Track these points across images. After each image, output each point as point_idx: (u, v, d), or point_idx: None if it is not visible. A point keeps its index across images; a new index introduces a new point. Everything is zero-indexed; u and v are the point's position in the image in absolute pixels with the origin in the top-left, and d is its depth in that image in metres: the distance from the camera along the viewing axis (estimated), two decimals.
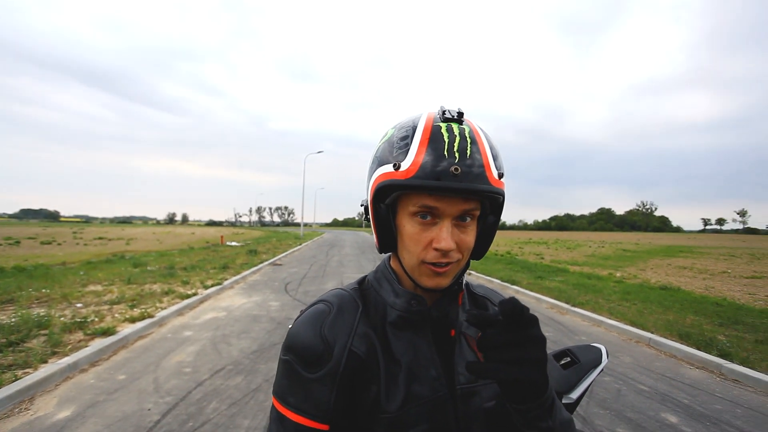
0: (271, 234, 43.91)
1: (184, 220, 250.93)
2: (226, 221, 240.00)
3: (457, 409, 0.63)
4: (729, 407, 3.61)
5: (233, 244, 23.93)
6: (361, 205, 0.72)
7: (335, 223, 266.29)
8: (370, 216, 0.65)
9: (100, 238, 28.54)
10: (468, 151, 0.57)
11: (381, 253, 0.69)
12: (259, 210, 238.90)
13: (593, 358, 1.10)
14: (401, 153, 0.59)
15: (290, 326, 0.66)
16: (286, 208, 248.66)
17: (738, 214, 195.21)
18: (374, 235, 0.66)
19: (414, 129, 0.60)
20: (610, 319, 6.62)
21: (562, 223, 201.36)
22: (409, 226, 0.60)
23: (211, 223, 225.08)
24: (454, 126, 0.59)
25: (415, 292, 0.66)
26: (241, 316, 6.49)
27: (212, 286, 8.73)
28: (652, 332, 5.82)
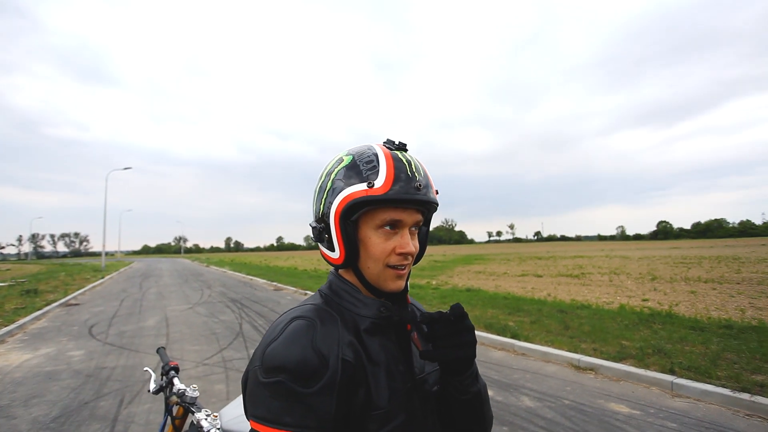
0: (57, 268, 34.40)
1: None
2: None
3: (418, 396, 0.75)
4: (521, 375, 4.73)
5: None
6: (314, 227, 0.79)
7: (146, 251, 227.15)
8: (335, 233, 0.73)
9: None
10: (422, 172, 0.74)
11: (343, 267, 0.77)
12: (34, 238, 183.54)
13: None
14: (371, 174, 0.70)
15: (267, 347, 0.66)
16: (76, 234, 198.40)
17: (509, 227, 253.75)
18: (338, 250, 0.74)
19: (376, 155, 0.73)
20: None
21: None
22: (374, 237, 0.72)
23: None
24: (405, 154, 0.75)
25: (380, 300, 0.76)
26: (26, 378, 4.98)
27: None
28: None
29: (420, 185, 0.71)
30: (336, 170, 0.75)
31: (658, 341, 5.42)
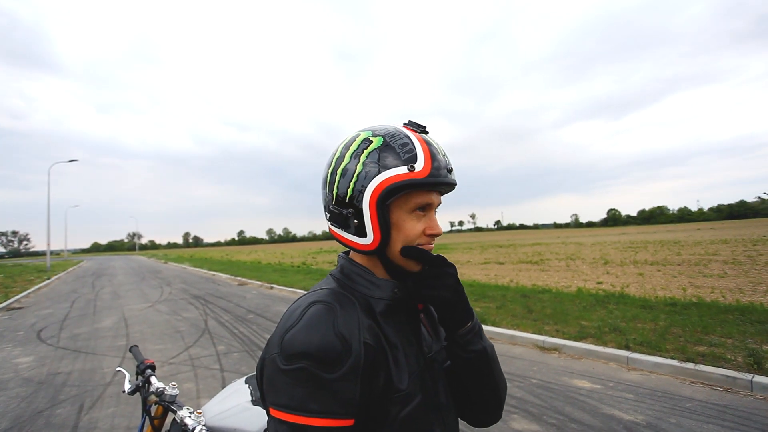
0: None
1: None
2: None
3: (430, 375, 0.75)
4: None
5: None
6: (338, 212, 0.74)
7: (97, 248, 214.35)
8: (370, 218, 0.69)
9: None
10: (446, 156, 0.75)
11: (375, 253, 0.73)
12: None
13: None
14: (410, 157, 0.69)
15: (286, 334, 0.63)
16: (14, 233, 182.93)
17: (471, 216, 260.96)
18: (371, 236, 0.70)
19: (410, 138, 0.71)
20: None
21: None
22: (408, 220, 0.72)
23: None
24: (430, 136, 0.75)
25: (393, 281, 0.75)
26: None
27: None
28: None
29: (450, 168, 0.73)
30: (366, 152, 0.71)
31: (614, 320, 5.79)
